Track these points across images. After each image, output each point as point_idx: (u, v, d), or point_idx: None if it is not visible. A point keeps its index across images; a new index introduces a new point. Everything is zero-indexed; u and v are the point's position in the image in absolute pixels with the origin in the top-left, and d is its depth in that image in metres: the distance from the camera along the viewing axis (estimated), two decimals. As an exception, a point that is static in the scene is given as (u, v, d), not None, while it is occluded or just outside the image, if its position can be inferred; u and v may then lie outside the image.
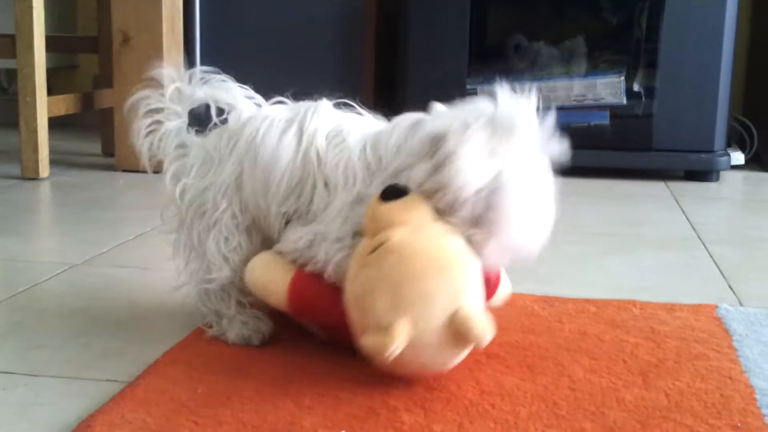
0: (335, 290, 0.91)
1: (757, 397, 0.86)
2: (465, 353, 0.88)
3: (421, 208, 0.87)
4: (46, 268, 1.33)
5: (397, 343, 0.81)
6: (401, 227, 0.86)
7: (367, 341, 0.84)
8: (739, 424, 0.80)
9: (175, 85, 1.07)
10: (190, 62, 2.55)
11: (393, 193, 0.87)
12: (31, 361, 0.95)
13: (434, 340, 0.84)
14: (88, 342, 1.01)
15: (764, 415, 0.82)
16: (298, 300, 0.94)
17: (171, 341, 1.00)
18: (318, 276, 0.94)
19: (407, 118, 0.95)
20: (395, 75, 2.44)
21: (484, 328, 0.83)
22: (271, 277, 0.95)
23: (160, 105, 1.08)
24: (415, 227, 0.86)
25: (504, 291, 1.05)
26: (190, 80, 1.08)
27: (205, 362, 0.93)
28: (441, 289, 0.84)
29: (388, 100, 2.48)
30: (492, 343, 0.99)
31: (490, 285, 0.96)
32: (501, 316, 1.10)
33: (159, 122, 1.07)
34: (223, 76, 1.10)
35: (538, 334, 1.04)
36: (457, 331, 0.83)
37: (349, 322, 0.88)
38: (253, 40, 2.57)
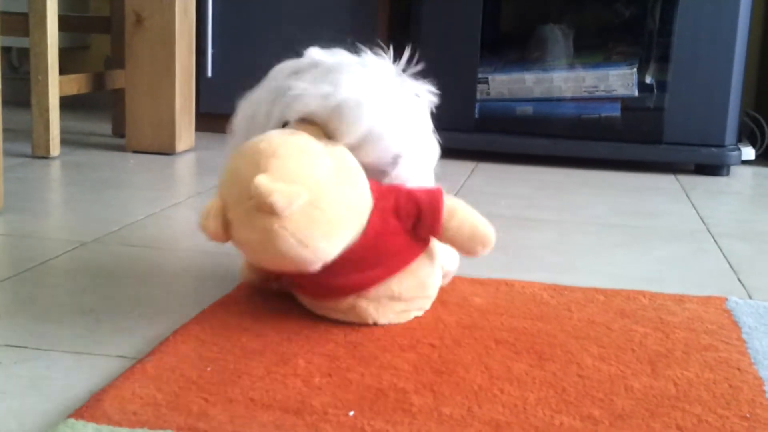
0: None
1: (766, 388, 0.86)
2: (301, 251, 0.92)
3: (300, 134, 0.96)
4: (57, 245, 1.33)
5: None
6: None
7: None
8: (747, 415, 0.80)
9: (289, 87, 1.07)
10: (201, 44, 2.55)
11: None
12: (42, 335, 0.96)
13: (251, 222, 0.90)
14: (99, 318, 1.02)
15: (772, 407, 0.82)
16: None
17: (181, 319, 1.01)
18: None
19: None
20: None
21: (268, 189, 0.88)
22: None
23: None
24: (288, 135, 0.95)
25: (452, 259, 1.08)
26: None
27: (216, 340, 0.94)
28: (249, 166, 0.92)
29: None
30: (501, 329, 1.00)
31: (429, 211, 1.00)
32: (510, 303, 1.10)
33: None
34: None
35: (547, 321, 1.04)
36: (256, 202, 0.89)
37: None
38: (265, 24, 2.57)
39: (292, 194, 0.88)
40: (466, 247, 1.00)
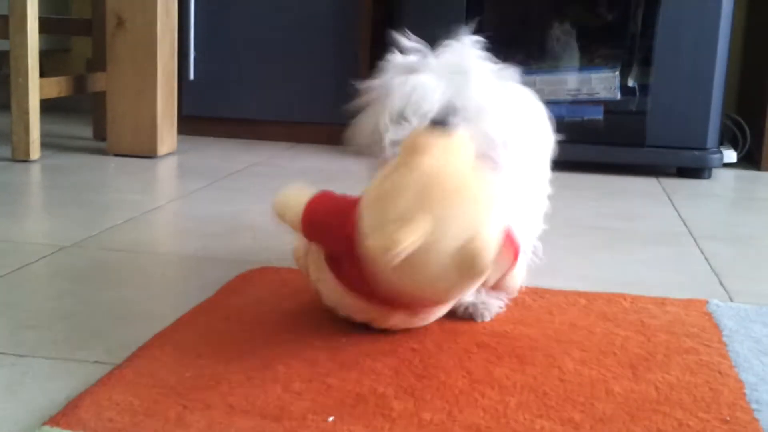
0: (348, 211, 0.93)
1: (747, 391, 0.86)
2: (459, 293, 0.91)
3: (461, 142, 0.90)
4: (36, 249, 1.32)
5: (416, 235, 0.82)
6: (437, 150, 0.88)
7: (379, 237, 0.85)
8: (728, 418, 0.80)
9: (411, 84, 1.02)
10: (183, 46, 2.54)
11: (441, 121, 0.91)
12: (19, 341, 0.95)
13: (441, 259, 0.85)
14: (77, 324, 1.01)
15: (753, 410, 0.82)
16: (311, 213, 0.96)
17: (160, 325, 1.00)
18: (335, 198, 0.98)
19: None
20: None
21: (488, 265, 0.85)
22: (294, 196, 0.98)
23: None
24: (451, 153, 0.88)
25: (519, 275, 1.05)
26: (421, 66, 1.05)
27: (195, 346, 0.93)
28: (467, 210, 0.86)
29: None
30: (482, 333, 1.00)
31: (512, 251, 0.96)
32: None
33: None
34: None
35: (528, 325, 1.04)
36: (465, 258, 0.84)
37: (354, 248, 0.90)
38: (248, 27, 2.56)
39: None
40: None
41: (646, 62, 2.34)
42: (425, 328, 1.01)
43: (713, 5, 2.23)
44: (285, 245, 1.39)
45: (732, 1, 2.25)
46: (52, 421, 0.74)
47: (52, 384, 0.84)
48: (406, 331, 0.99)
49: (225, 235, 1.46)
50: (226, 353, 0.92)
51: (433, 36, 1.17)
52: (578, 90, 2.38)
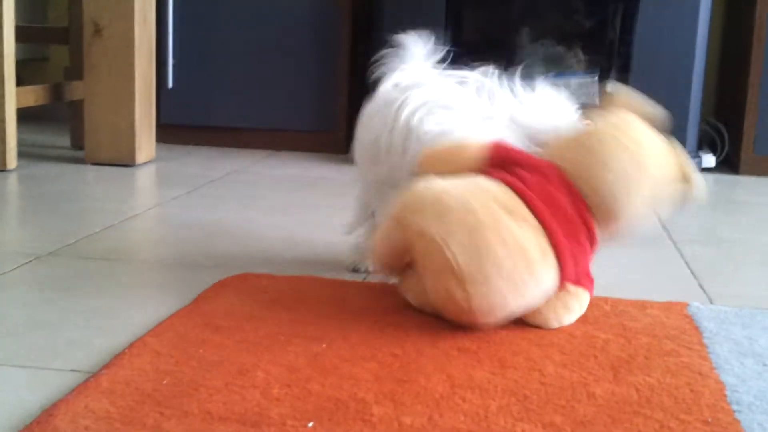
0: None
1: (728, 393, 0.86)
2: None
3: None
4: (12, 258, 1.30)
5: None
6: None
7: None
8: (709, 420, 0.80)
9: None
10: (162, 54, 2.52)
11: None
12: (-7, 350, 0.93)
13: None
14: (53, 332, 1.00)
15: (734, 411, 0.82)
16: (499, 148, 1.07)
17: (137, 332, 0.99)
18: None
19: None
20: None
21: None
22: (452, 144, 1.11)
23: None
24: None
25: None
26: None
27: (173, 353, 0.92)
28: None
29: (362, 93, 2.47)
30: (463, 337, 0.99)
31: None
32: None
33: None
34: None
35: (509, 328, 1.03)
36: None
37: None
38: (227, 33, 2.55)
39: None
40: None
41: (624, 68, 2.35)
42: (405, 332, 1.00)
43: (691, 11, 2.24)
44: (263, 252, 1.39)
45: (709, 7, 2.26)
46: (27, 429, 0.73)
47: (28, 393, 0.83)
48: (387, 336, 0.99)
49: (203, 242, 1.45)
50: (204, 360, 0.91)
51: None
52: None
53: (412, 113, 1.14)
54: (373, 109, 1.21)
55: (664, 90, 2.26)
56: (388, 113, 1.17)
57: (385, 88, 1.21)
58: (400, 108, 1.15)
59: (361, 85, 2.57)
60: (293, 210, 1.77)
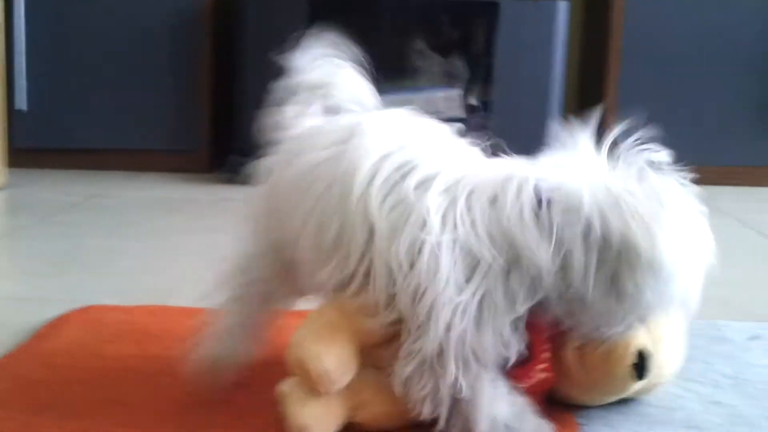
0: None
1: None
2: None
3: None
4: None
5: None
6: None
7: None
8: None
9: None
10: (13, 76, 2.41)
11: None
12: None
13: None
14: None
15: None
16: None
17: (-35, 377, 0.92)
18: None
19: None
20: (233, 85, 2.40)
21: None
22: None
23: None
24: None
25: None
26: None
27: (3, 397, 0.86)
28: None
29: (226, 107, 2.42)
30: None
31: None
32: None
33: None
34: None
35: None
36: None
37: None
38: (83, 52, 2.45)
39: None
40: None
41: (487, 80, 2.38)
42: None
43: (548, 23, 2.29)
44: (116, 282, 1.32)
45: (566, 18, 2.32)
46: None
47: None
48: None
49: (49, 274, 1.38)
50: (37, 403, 0.85)
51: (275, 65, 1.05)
52: (424, 110, 2.39)
53: (400, 172, 0.73)
54: (297, 153, 0.81)
55: (525, 100, 2.30)
56: (341, 167, 0.75)
57: (313, 112, 0.86)
58: (362, 157, 0.74)
59: (225, 102, 2.52)
60: (154, 235, 1.70)
